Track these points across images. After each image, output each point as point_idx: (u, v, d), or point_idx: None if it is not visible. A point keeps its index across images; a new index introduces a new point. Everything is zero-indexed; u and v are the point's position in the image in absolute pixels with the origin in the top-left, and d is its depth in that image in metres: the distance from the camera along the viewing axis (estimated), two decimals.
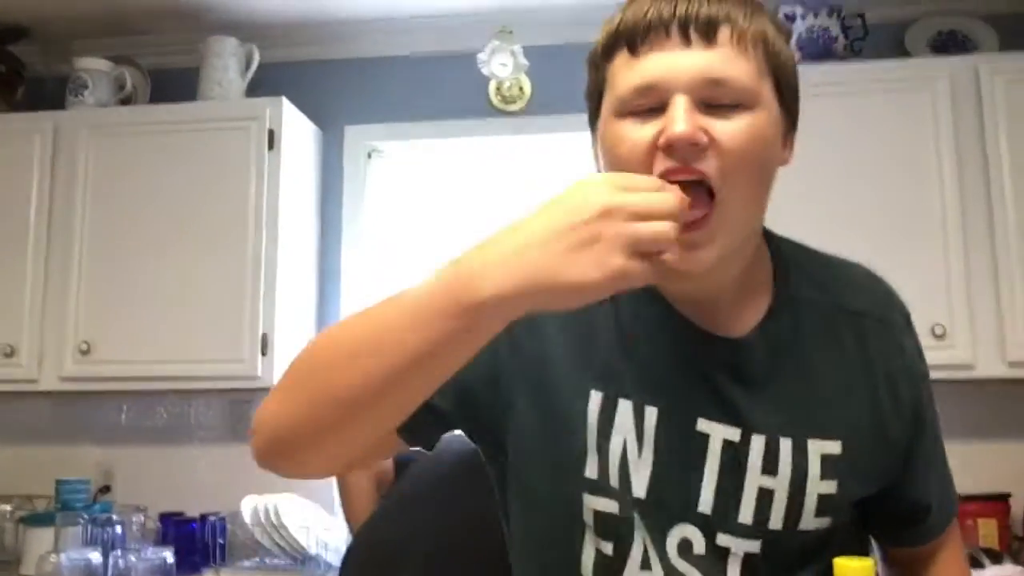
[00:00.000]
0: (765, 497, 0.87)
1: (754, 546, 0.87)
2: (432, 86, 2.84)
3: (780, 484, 0.86)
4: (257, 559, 2.44)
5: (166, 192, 2.59)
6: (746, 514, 0.87)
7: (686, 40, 0.78)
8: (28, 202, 2.64)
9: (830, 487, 0.87)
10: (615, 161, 0.82)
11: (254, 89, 2.74)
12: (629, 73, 0.81)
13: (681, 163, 0.77)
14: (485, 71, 2.63)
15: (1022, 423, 2.47)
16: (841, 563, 0.79)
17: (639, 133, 0.79)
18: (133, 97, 2.83)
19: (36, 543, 2.46)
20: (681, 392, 0.88)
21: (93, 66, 2.74)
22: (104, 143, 2.64)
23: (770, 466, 0.86)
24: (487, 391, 0.90)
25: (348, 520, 2.15)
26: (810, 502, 0.87)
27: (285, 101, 2.63)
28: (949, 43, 2.58)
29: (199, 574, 2.36)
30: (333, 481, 2.23)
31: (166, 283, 2.55)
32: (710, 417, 0.87)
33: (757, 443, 0.86)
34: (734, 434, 0.87)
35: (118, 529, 2.43)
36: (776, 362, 0.88)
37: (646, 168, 0.78)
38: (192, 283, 2.54)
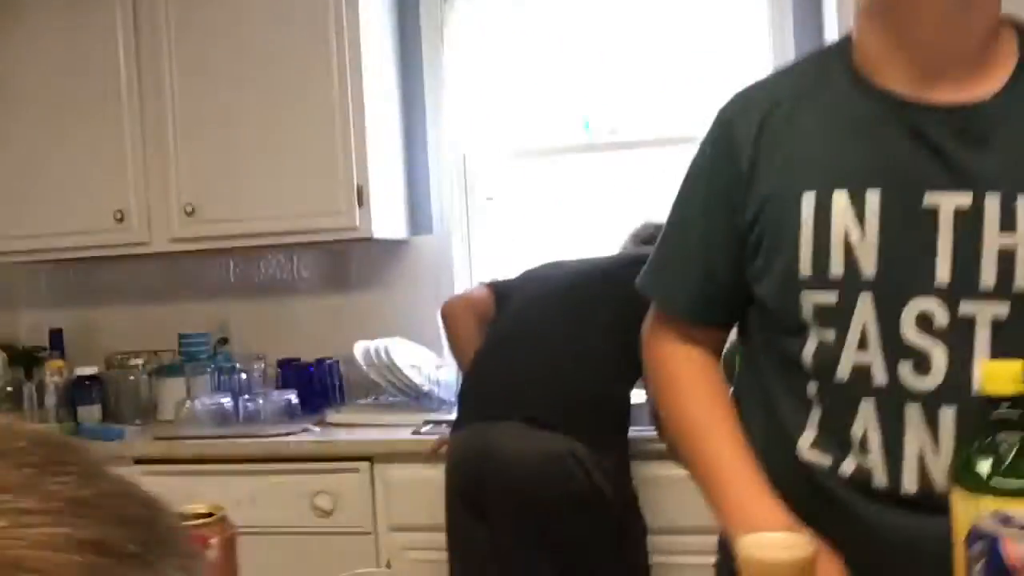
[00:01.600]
0: (1007, 256, 0.88)
1: (1002, 310, 0.88)
2: None
3: (1022, 240, 0.87)
4: (373, 397, 2.59)
5: (250, 48, 2.59)
6: (988, 277, 0.88)
7: None
8: (117, 68, 2.67)
9: None
10: None
11: None
12: None
13: None
14: None
15: None
16: (989, 365, 0.81)
17: None
18: None
19: (169, 393, 2.66)
20: (905, 169, 0.91)
21: None
22: (184, 3, 2.63)
23: (1008, 223, 0.88)
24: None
25: (455, 355, 2.25)
26: None
27: None
28: None
29: (321, 414, 2.52)
30: (439, 320, 2.33)
31: (259, 140, 2.59)
32: (938, 187, 0.89)
33: (992, 203, 0.88)
34: (965, 199, 0.89)
35: (242, 376, 2.59)
36: (1013, 124, 0.89)
37: None
38: (284, 139, 2.58)
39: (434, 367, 2.50)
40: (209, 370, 2.63)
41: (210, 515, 0.87)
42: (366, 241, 2.65)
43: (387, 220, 2.66)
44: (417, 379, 2.41)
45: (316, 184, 2.56)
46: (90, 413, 2.64)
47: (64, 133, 2.71)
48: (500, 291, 2.22)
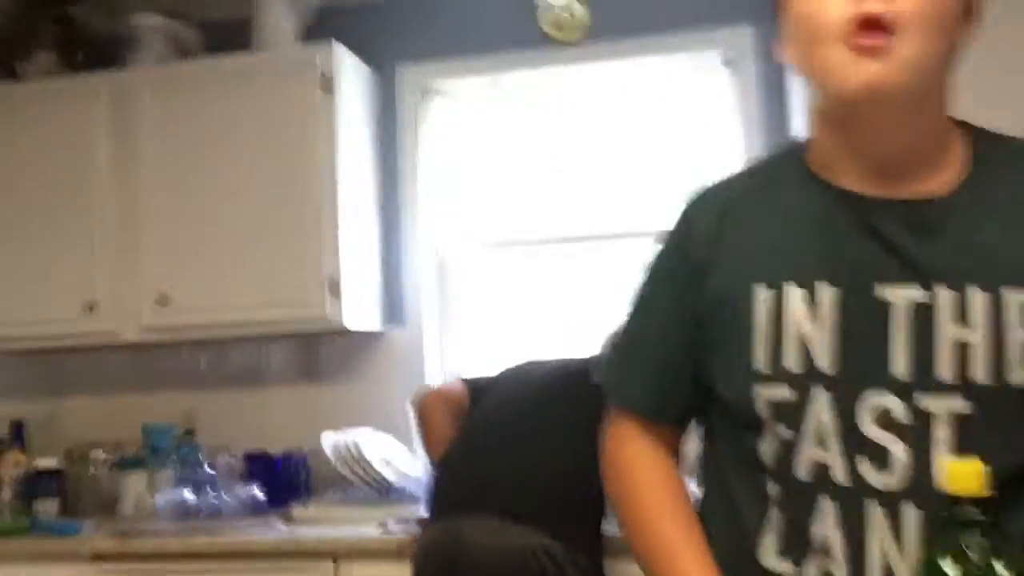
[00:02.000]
0: (962, 349, 0.88)
1: (962, 406, 0.88)
2: (482, 19, 2.82)
3: (975, 333, 0.88)
4: (341, 492, 2.54)
5: (227, 143, 2.64)
6: (944, 369, 0.88)
7: None
8: (93, 161, 2.70)
9: None
10: (801, 18, 0.90)
11: (306, 33, 2.76)
12: None
13: (862, 6, 0.85)
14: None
15: None
16: (952, 464, 0.81)
17: None
18: (189, 51, 2.86)
19: (130, 486, 2.60)
20: (856, 264, 0.92)
21: (149, 23, 2.77)
22: (165, 98, 2.68)
23: (960, 315, 0.88)
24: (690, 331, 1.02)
25: (427, 448, 2.22)
26: (1013, 350, 0.87)
27: (337, 45, 2.64)
28: None
29: (287, 508, 2.46)
30: (409, 413, 2.31)
31: (235, 233, 2.61)
32: (891, 281, 0.90)
33: (945, 295, 0.89)
34: (919, 292, 0.89)
35: (208, 469, 2.54)
36: (963, 218, 0.91)
37: (832, 17, 0.86)
38: (259, 231, 2.60)
39: (403, 461, 2.46)
40: (172, 463, 2.57)
41: None
42: (339, 333, 2.64)
43: (360, 312, 2.66)
44: (388, 474, 2.37)
45: (289, 275, 2.57)
46: (47, 507, 2.57)
47: (36, 221, 2.72)
48: (475, 388, 2.22)
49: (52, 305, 2.68)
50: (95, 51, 2.92)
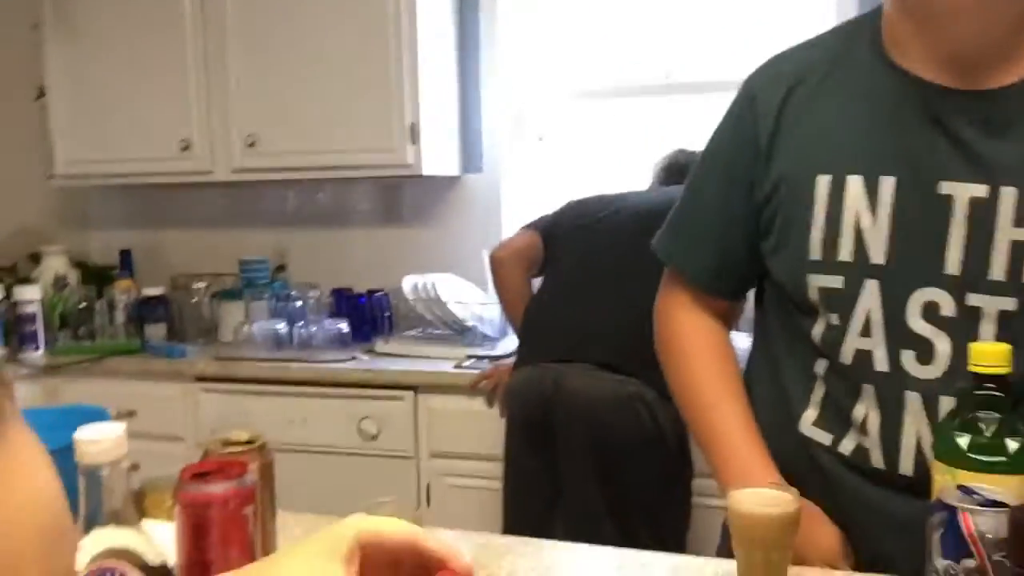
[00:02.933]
0: (1019, 251, 0.87)
1: (1009, 303, 0.88)
2: None
3: None
4: (420, 330, 2.69)
5: None
6: (998, 270, 0.88)
7: None
8: (185, 6, 2.75)
9: None
10: None
11: None
12: None
13: None
14: None
15: None
16: (978, 344, 0.84)
17: None
18: None
19: (229, 315, 2.80)
20: (922, 156, 0.90)
21: None
22: None
23: (1023, 218, 0.87)
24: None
25: (503, 301, 2.31)
26: None
27: None
28: None
29: (371, 343, 2.63)
30: (485, 260, 2.39)
31: (318, 77, 2.66)
32: (955, 177, 0.89)
33: (1008, 195, 0.87)
34: (982, 190, 0.88)
35: (298, 303, 2.72)
36: None
37: None
38: (341, 76, 2.63)
39: (478, 303, 2.58)
40: (267, 296, 2.76)
41: (251, 442, 0.93)
42: (418, 177, 2.71)
43: (439, 158, 2.72)
44: (461, 314, 2.50)
45: (371, 121, 2.62)
46: (156, 331, 2.81)
47: (136, 69, 2.82)
48: (546, 232, 2.25)
49: (151, 143, 2.82)
50: None
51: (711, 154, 1.09)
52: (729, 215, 1.05)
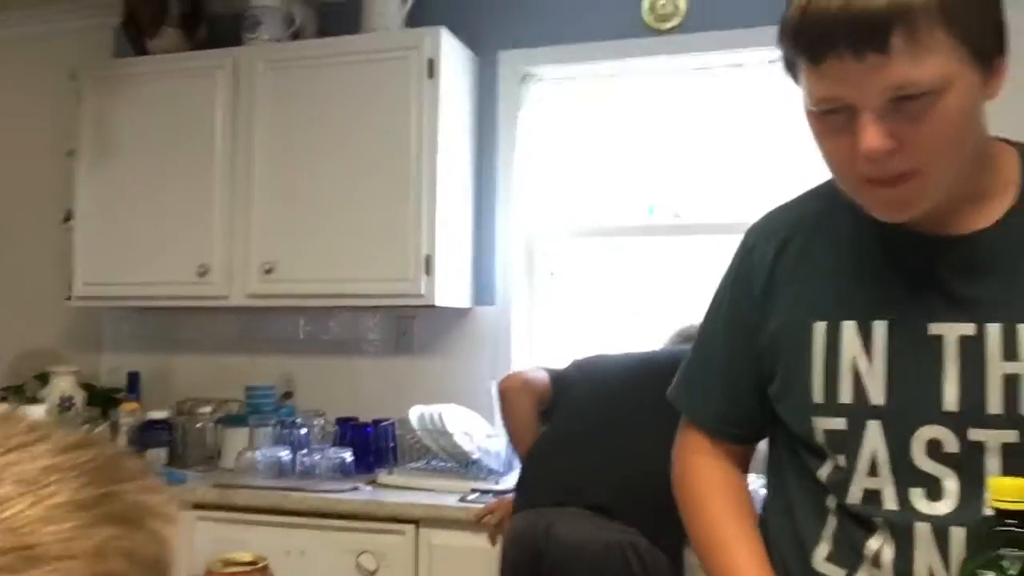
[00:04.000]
0: (1012, 383, 0.89)
1: (1011, 435, 0.90)
2: (585, 7, 2.85)
3: None
4: (425, 461, 2.65)
5: (335, 121, 2.76)
6: (995, 404, 0.90)
7: (859, 55, 0.80)
8: (213, 133, 2.87)
9: None
10: (822, 151, 0.90)
11: (413, 17, 2.85)
12: (813, 81, 0.85)
13: (879, 169, 0.84)
14: None
15: None
16: (997, 480, 0.82)
17: (837, 139, 0.86)
18: (301, 31, 3.00)
19: (233, 441, 2.76)
20: (910, 301, 0.94)
21: (266, 3, 2.91)
22: (278, 76, 2.82)
23: (1011, 352, 0.89)
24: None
25: (509, 432, 2.30)
26: None
27: (443, 30, 2.72)
28: None
29: (374, 473, 2.58)
30: (493, 391, 2.38)
31: (337, 208, 2.73)
32: (942, 318, 0.92)
33: (994, 331, 0.90)
34: (969, 328, 0.91)
35: (302, 431, 2.69)
36: (1013, 252, 0.92)
37: (853, 168, 0.86)
38: (361, 207, 2.71)
39: (485, 436, 2.54)
40: (272, 423, 2.73)
41: (254, 563, 0.92)
42: (430, 308, 2.74)
43: (452, 289, 2.75)
44: (467, 446, 2.46)
45: (387, 251, 2.68)
46: (157, 456, 2.77)
47: (158, 191, 2.91)
48: (556, 379, 2.26)
49: (170, 268, 2.88)
50: (216, 30, 3.08)
51: (716, 305, 1.14)
52: (735, 363, 1.08)
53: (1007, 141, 0.98)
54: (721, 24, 2.64)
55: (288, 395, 2.99)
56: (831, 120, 0.86)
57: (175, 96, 2.92)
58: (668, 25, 2.74)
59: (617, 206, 2.85)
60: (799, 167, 2.53)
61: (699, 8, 2.70)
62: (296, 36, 2.97)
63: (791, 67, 0.90)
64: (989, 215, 0.93)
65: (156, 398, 3.04)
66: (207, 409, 2.90)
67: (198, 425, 2.88)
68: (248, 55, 2.88)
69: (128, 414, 2.87)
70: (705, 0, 2.69)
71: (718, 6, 2.67)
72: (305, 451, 2.60)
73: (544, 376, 2.27)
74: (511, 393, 2.26)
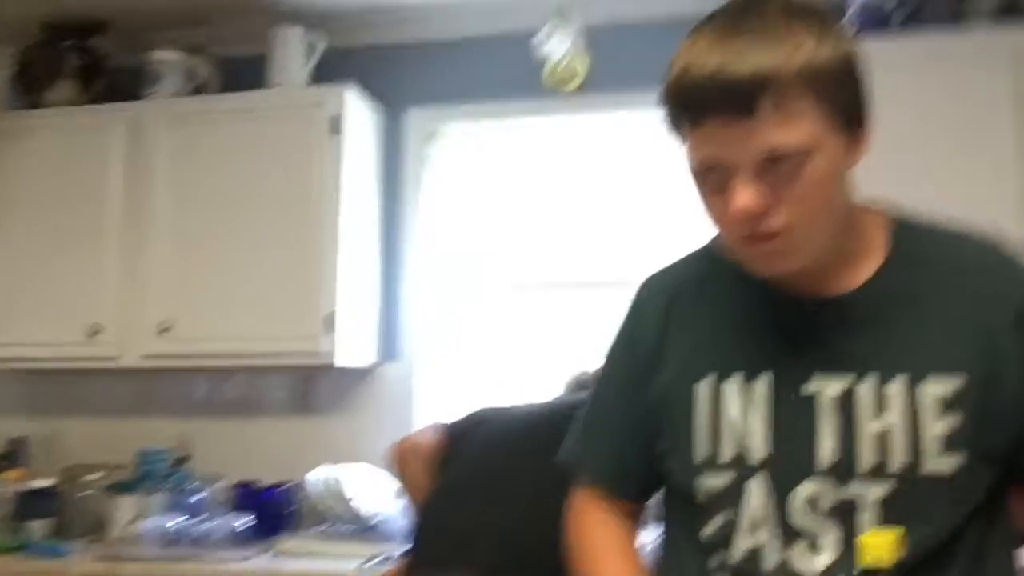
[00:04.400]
0: (882, 438, 0.92)
1: (883, 491, 0.91)
2: (492, 68, 2.88)
3: (894, 422, 0.91)
4: (327, 526, 2.56)
5: (236, 177, 2.71)
6: (867, 458, 0.92)
7: (728, 119, 0.85)
8: (106, 188, 2.78)
9: (947, 424, 0.91)
10: (707, 210, 0.94)
11: (319, 72, 2.84)
12: (693, 144, 0.90)
13: (751, 228, 0.88)
14: (541, 52, 2.67)
15: None
16: (865, 537, 0.83)
17: (715, 198, 0.91)
18: (204, 87, 2.95)
19: (122, 509, 2.62)
20: (788, 359, 0.96)
21: (167, 58, 2.86)
22: (178, 132, 2.77)
23: (881, 407, 0.92)
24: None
25: (407, 496, 2.22)
26: (929, 438, 0.90)
27: (348, 88, 2.71)
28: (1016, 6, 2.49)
29: (273, 540, 2.48)
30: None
31: (238, 265, 2.67)
32: (818, 376, 0.95)
33: (865, 387, 0.93)
34: (843, 384, 0.94)
35: (197, 497, 2.57)
36: (883, 310, 0.95)
37: (731, 226, 0.91)
38: (262, 265, 2.66)
39: (388, 498, 2.47)
40: (164, 489, 2.61)
41: None
42: (331, 367, 2.68)
43: (354, 348, 2.70)
44: (368, 511, 2.39)
45: (288, 310, 2.62)
46: (40, 527, 2.61)
47: (49, 248, 2.80)
48: (451, 433, 2.20)
49: (58, 328, 2.75)
50: (115, 83, 3.01)
51: (609, 361, 1.14)
52: (627, 420, 1.09)
53: (875, 207, 1.01)
54: (620, 87, 2.71)
55: (183, 459, 2.86)
56: (711, 180, 0.90)
57: (69, 151, 2.83)
58: (568, 87, 2.79)
59: (523, 261, 2.86)
60: (695, 225, 2.59)
61: (598, 71, 2.77)
62: (198, 91, 2.92)
63: (674, 127, 0.94)
64: (859, 276, 0.97)
65: (42, 465, 2.87)
66: (95, 476, 2.75)
67: (85, 493, 2.73)
68: (147, 110, 2.82)
69: (11, 483, 2.71)
70: (604, 63, 2.76)
71: (616, 70, 2.74)
72: (200, 518, 2.49)
73: (431, 436, 2.18)
74: (399, 459, 2.17)
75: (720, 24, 0.88)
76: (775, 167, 0.86)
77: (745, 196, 0.86)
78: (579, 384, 2.31)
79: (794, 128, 0.85)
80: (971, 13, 2.46)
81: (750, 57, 0.84)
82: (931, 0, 2.48)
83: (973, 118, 2.28)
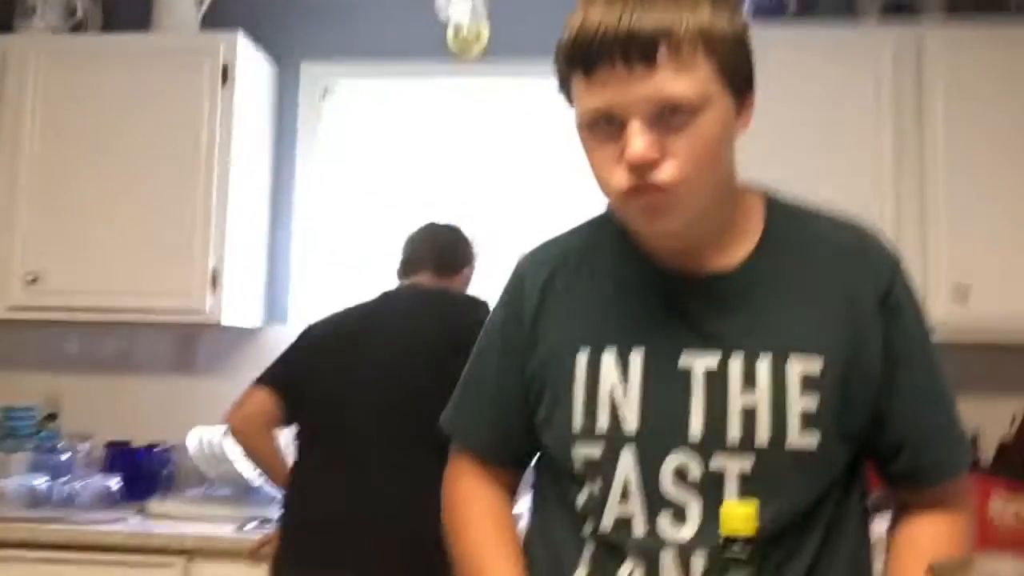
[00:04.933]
0: (749, 413, 0.95)
1: (747, 464, 0.94)
2: (390, 26, 2.83)
3: (761, 399, 0.95)
4: (203, 489, 2.49)
5: (116, 123, 2.57)
6: (734, 432, 0.95)
7: (629, 66, 0.87)
8: None
9: (811, 403, 0.94)
10: (590, 165, 0.94)
11: (209, 21, 2.71)
12: (587, 96, 0.91)
13: (640, 177, 0.89)
14: (443, 16, 2.63)
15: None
16: (725, 506, 0.86)
17: (604, 149, 0.91)
18: (84, 24, 2.78)
19: None
20: (663, 333, 0.99)
21: None
22: (53, 70, 2.60)
23: (749, 383, 0.95)
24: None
25: (260, 470, 2.11)
26: (792, 416, 0.94)
27: (240, 36, 2.60)
28: (900, 4, 2.62)
29: (144, 502, 2.40)
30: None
31: (116, 215, 2.55)
32: (691, 351, 0.97)
33: (735, 364, 0.96)
34: (714, 360, 0.96)
35: (64, 456, 2.46)
36: (755, 290, 0.98)
37: (617, 179, 0.90)
38: (142, 216, 2.54)
39: None
40: (29, 447, 2.48)
41: None
42: (215, 326, 2.60)
43: (240, 308, 2.62)
44: (247, 473, 2.34)
45: (169, 264, 2.52)
46: None
47: None
48: (281, 383, 2.01)
49: None
50: None
51: (490, 331, 1.15)
52: (505, 388, 1.09)
53: (753, 188, 1.04)
54: (523, 52, 2.70)
55: (52, 417, 2.73)
56: (600, 131, 0.91)
57: None
58: (471, 51, 2.77)
59: (414, 223, 2.82)
60: (589, 194, 2.62)
61: (501, 36, 2.75)
62: (77, 29, 2.75)
63: (564, 85, 0.95)
64: (735, 256, 1.00)
65: None
66: None
67: None
68: (19, 44, 2.63)
69: None
70: (508, 29, 2.74)
71: (520, 35, 2.72)
72: (66, 478, 2.38)
73: (266, 399, 1.99)
74: (240, 434, 2.02)
75: None
76: (668, 120, 0.88)
77: (638, 143, 0.87)
78: (407, 260, 2.13)
79: (688, 79, 0.87)
80: (862, 9, 2.56)
81: (652, 13, 0.87)
82: None
83: (851, 108, 2.38)
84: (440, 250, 2.09)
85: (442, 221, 2.19)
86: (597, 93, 0.89)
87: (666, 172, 0.89)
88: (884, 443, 1.00)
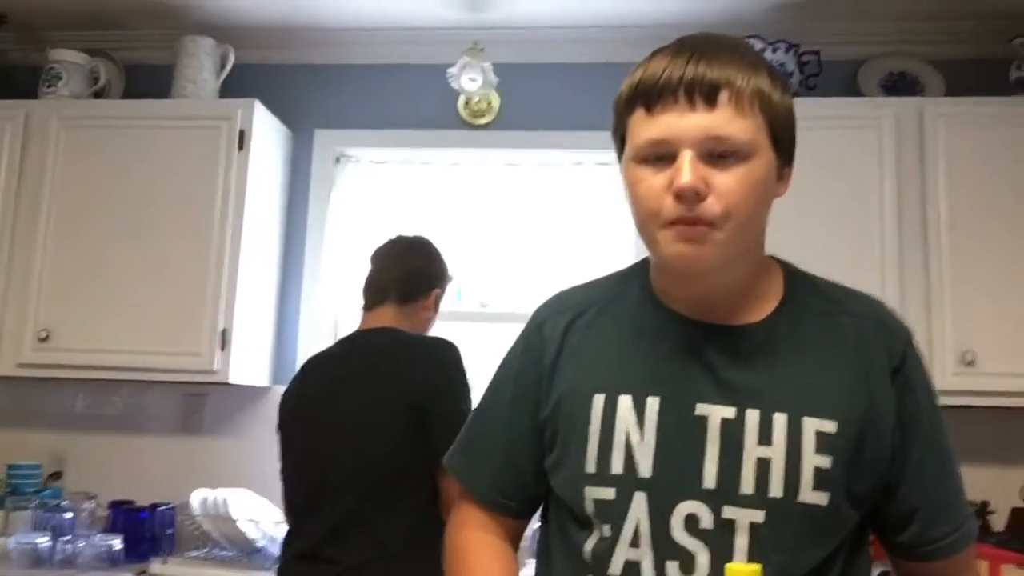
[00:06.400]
0: (763, 466, 0.96)
1: (758, 516, 0.95)
2: (403, 95, 2.91)
3: (776, 453, 0.96)
4: (205, 549, 2.47)
5: (134, 186, 2.63)
6: (747, 484, 0.96)
7: (691, 103, 0.94)
8: None
9: (824, 461, 0.96)
10: (634, 198, 0.98)
11: (227, 89, 2.79)
12: (645, 128, 0.96)
13: (687, 209, 0.93)
14: (455, 85, 2.71)
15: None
16: (730, 568, 0.87)
17: (654, 179, 0.95)
18: (106, 90, 2.87)
19: None
20: (681, 381, 1.00)
21: (68, 58, 2.78)
22: (75, 134, 2.68)
23: (765, 438, 0.96)
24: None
25: None
26: (806, 472, 0.95)
27: (257, 103, 2.68)
28: (899, 84, 2.71)
29: (147, 563, 2.38)
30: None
31: (129, 275, 2.59)
32: (708, 400, 0.99)
33: (752, 418, 0.97)
34: (730, 412, 0.98)
35: (67, 515, 2.45)
36: (775, 348, 1.01)
37: (660, 209, 0.94)
38: (155, 276, 2.58)
39: (273, 522, 2.41)
40: (32, 505, 2.48)
41: None
42: (223, 386, 2.61)
43: (248, 367, 2.64)
44: (251, 533, 2.33)
45: (179, 323, 2.55)
46: None
47: None
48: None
49: None
50: (14, 79, 2.90)
51: (501, 378, 1.16)
52: (516, 434, 1.10)
53: (776, 259, 1.09)
54: (531, 124, 2.77)
55: (57, 475, 2.73)
56: (651, 164, 0.96)
57: None
58: (481, 121, 2.85)
59: None
60: (599, 262, 2.66)
61: (511, 108, 2.82)
62: (99, 95, 2.83)
63: (619, 129, 1.01)
64: (757, 313, 1.03)
65: None
66: None
67: None
68: (42, 108, 2.71)
69: None
70: (517, 101, 2.82)
71: (529, 107, 2.80)
72: (68, 537, 2.37)
73: None
74: None
75: (690, 43, 0.97)
76: (718, 159, 0.93)
77: (688, 172, 0.92)
78: (381, 255, 2.11)
79: (745, 125, 0.93)
80: (864, 88, 2.65)
81: (716, 67, 0.94)
82: (827, 72, 2.66)
83: (854, 180, 2.43)
84: (407, 275, 2.02)
85: (410, 234, 2.13)
86: (655, 124, 0.95)
87: (711, 206, 0.93)
88: (893, 513, 1.02)
